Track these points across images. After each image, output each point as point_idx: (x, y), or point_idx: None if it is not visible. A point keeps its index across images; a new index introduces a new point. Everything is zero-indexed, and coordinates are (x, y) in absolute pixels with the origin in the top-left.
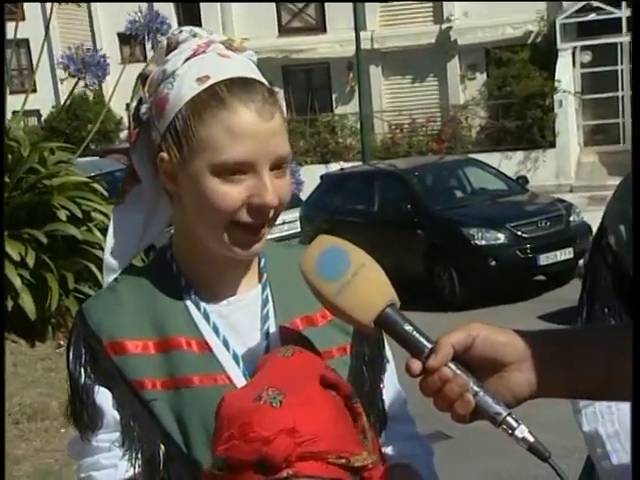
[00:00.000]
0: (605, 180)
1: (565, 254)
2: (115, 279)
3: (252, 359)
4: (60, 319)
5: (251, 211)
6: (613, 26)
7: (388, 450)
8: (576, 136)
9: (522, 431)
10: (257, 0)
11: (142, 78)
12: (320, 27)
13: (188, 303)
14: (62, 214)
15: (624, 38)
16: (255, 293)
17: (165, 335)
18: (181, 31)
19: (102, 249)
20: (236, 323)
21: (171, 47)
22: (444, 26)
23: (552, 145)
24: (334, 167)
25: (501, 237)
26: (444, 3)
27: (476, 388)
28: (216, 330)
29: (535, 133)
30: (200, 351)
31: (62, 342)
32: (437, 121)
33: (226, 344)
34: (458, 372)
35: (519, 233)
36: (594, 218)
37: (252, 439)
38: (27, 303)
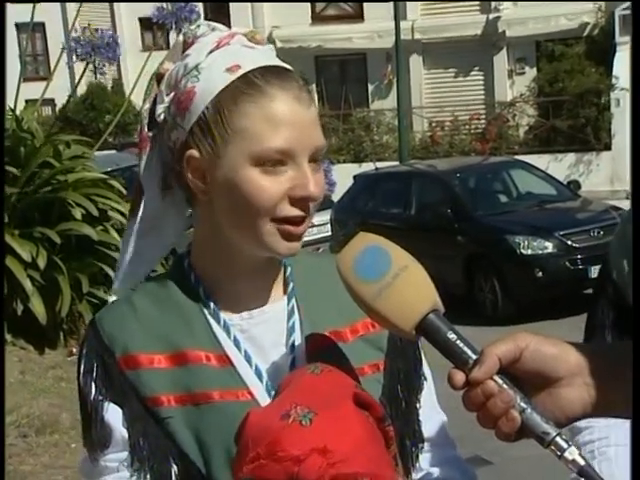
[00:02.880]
0: None
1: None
2: (131, 288)
3: (276, 375)
4: (72, 325)
5: (293, 203)
6: None
7: (425, 475)
8: None
9: (572, 453)
10: None
11: (157, 77)
12: (357, 15)
13: (207, 315)
14: (77, 212)
15: None
16: (280, 305)
17: (182, 348)
18: (199, 25)
19: (118, 250)
20: (258, 337)
21: (188, 43)
22: (492, 16)
23: (607, 147)
24: (368, 167)
25: (549, 246)
26: None
27: (523, 404)
28: (237, 344)
29: (589, 134)
30: (220, 365)
31: (74, 350)
32: (481, 119)
33: (248, 358)
34: (504, 386)
35: (569, 242)
36: None
37: (282, 458)
38: (37, 307)
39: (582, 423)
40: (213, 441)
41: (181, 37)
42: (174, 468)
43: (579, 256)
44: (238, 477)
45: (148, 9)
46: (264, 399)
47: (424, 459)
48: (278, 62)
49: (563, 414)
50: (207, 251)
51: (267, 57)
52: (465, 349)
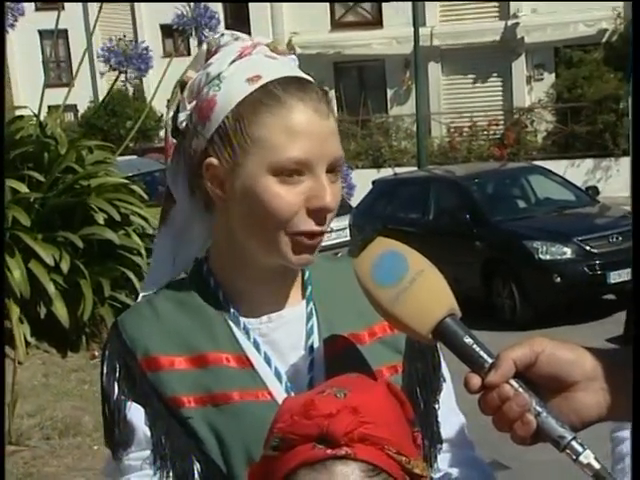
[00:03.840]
0: None
1: None
2: (153, 292)
3: (295, 376)
4: (94, 328)
5: (310, 214)
6: None
7: (444, 476)
8: None
9: (587, 457)
10: None
11: (180, 85)
12: (376, 22)
13: (227, 318)
14: (99, 217)
15: None
16: (298, 309)
17: (203, 351)
18: (222, 35)
19: (140, 255)
20: (277, 340)
21: (212, 52)
22: (510, 22)
23: (626, 153)
24: (387, 172)
25: (568, 252)
26: None
27: (538, 408)
28: (257, 346)
29: (607, 140)
30: (240, 366)
31: (96, 353)
32: (500, 125)
33: (267, 360)
34: (519, 390)
35: (588, 248)
36: None
37: (313, 415)
38: (60, 311)
39: (624, 433)
40: (233, 440)
41: (205, 46)
42: (196, 466)
43: (597, 262)
44: (268, 440)
45: (169, 16)
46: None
47: (443, 460)
48: (299, 73)
49: (579, 418)
50: (224, 256)
51: (288, 68)
52: (481, 353)
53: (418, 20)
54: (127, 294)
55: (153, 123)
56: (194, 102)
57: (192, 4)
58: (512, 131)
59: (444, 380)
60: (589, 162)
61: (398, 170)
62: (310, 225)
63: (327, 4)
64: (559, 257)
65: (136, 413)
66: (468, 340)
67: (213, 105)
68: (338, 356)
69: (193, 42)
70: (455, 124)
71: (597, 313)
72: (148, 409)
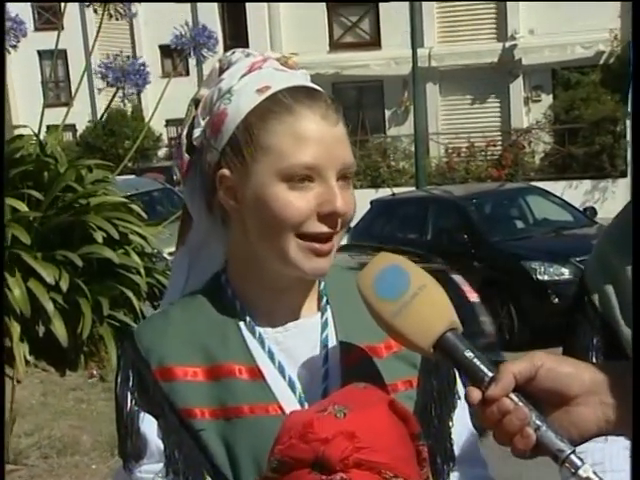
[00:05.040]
0: None
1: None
2: (170, 303)
3: (309, 387)
4: (93, 347)
5: (321, 219)
6: None
7: None
8: None
9: (586, 470)
10: (308, 0)
11: (194, 103)
12: (374, 42)
13: (243, 328)
14: (98, 236)
15: None
16: (314, 319)
17: (217, 362)
18: (234, 52)
19: (139, 274)
20: (293, 349)
21: (223, 69)
22: (508, 44)
23: (623, 174)
24: (385, 192)
25: (566, 272)
26: (509, 20)
27: (538, 422)
28: (271, 356)
29: (604, 161)
30: (251, 379)
31: (95, 372)
32: (497, 145)
33: (282, 370)
34: (519, 404)
35: None
36: None
37: (310, 439)
38: (59, 329)
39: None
40: (243, 454)
41: (217, 64)
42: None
43: None
44: (269, 461)
45: (168, 36)
46: None
47: (455, 477)
48: (308, 83)
49: (578, 432)
50: (241, 268)
51: (298, 78)
52: (482, 367)
53: (416, 41)
54: (126, 313)
55: (151, 143)
56: (207, 118)
57: (190, 24)
58: (510, 152)
59: (459, 397)
60: (587, 183)
61: (396, 190)
62: (321, 228)
63: (326, 25)
64: (557, 278)
65: (149, 425)
66: (469, 354)
67: (224, 117)
68: (354, 367)
69: (192, 62)
70: (453, 145)
71: None
72: (161, 421)
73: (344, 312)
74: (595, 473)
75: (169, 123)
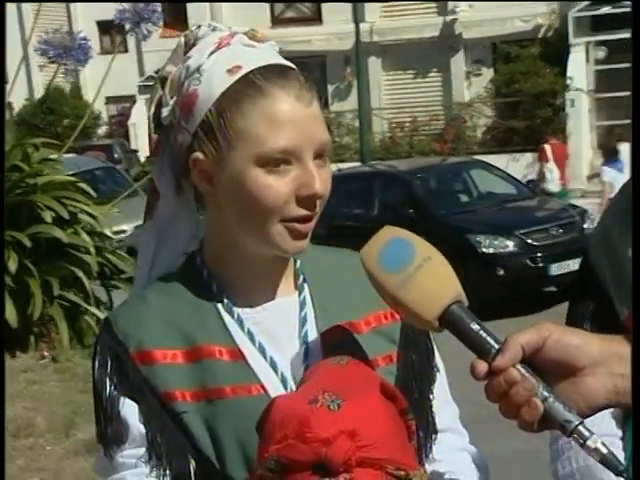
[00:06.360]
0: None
1: (578, 264)
2: (144, 286)
3: (290, 366)
4: (43, 328)
5: (300, 203)
6: (630, 20)
7: (439, 465)
8: (589, 138)
9: (595, 441)
10: None
11: (160, 80)
12: (316, 18)
13: (220, 309)
14: (47, 215)
15: None
16: (292, 298)
17: (196, 344)
18: (199, 26)
19: (89, 253)
20: (272, 329)
21: (189, 45)
22: (448, 18)
23: None
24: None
25: (510, 245)
26: None
27: (545, 393)
28: (251, 337)
29: (545, 133)
30: (232, 360)
31: (45, 353)
32: (440, 120)
33: (262, 351)
34: (526, 374)
35: (529, 241)
36: None
37: (310, 439)
38: (8, 311)
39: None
40: (226, 436)
41: (182, 39)
42: (192, 463)
43: (539, 254)
44: (263, 458)
45: (105, 12)
46: (277, 391)
47: (437, 449)
48: (279, 60)
49: (586, 403)
50: (217, 248)
51: (268, 55)
52: (488, 339)
53: (360, 16)
54: (76, 292)
55: (92, 121)
56: (175, 97)
57: None
58: (452, 126)
59: (438, 370)
60: (528, 156)
61: (341, 166)
62: (300, 212)
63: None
64: (502, 250)
65: (130, 409)
66: (475, 326)
67: (195, 99)
68: (334, 345)
69: (130, 39)
70: (396, 119)
71: (539, 305)
72: (142, 405)
73: (322, 290)
74: (604, 444)
75: (109, 101)
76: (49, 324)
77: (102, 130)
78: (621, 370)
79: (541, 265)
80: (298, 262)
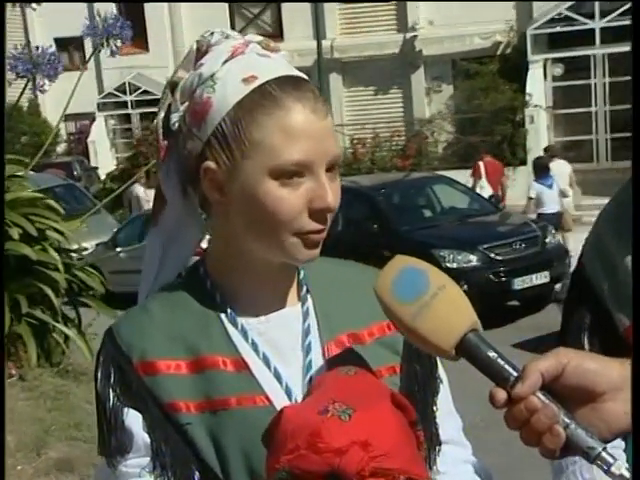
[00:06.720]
0: (579, 200)
1: (541, 278)
2: (146, 297)
3: (294, 377)
4: (11, 346)
5: (312, 216)
6: (586, 38)
7: (443, 477)
8: None
9: (619, 467)
10: (209, 0)
11: (170, 86)
12: (277, 34)
13: (224, 320)
14: (14, 232)
15: (597, 50)
16: (296, 308)
17: (199, 354)
18: (212, 33)
19: (58, 270)
20: (276, 340)
21: (202, 51)
22: (408, 35)
23: (523, 163)
24: None
25: (473, 259)
26: (408, 11)
27: (567, 420)
28: (255, 347)
29: (505, 149)
30: (236, 370)
31: (13, 372)
32: (402, 136)
33: (267, 361)
34: (547, 402)
35: (492, 255)
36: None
37: (322, 450)
38: None
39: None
40: (231, 447)
41: (194, 45)
42: (196, 474)
43: (502, 268)
44: (274, 469)
45: (64, 29)
46: (282, 403)
47: (440, 461)
48: (294, 72)
49: (608, 428)
50: (222, 258)
51: (283, 66)
52: (506, 367)
53: (321, 32)
54: (44, 310)
55: (51, 138)
56: (187, 103)
57: (103, 15)
58: (413, 142)
59: (441, 381)
60: None
61: None
62: (313, 225)
63: (227, 18)
64: (465, 265)
65: (134, 419)
66: (492, 354)
67: (208, 107)
68: (338, 356)
69: (89, 56)
70: (358, 135)
71: (503, 319)
72: (146, 415)
73: (325, 300)
74: (628, 469)
75: (67, 118)
76: (17, 342)
77: (61, 147)
78: None
79: (504, 279)
80: (302, 272)
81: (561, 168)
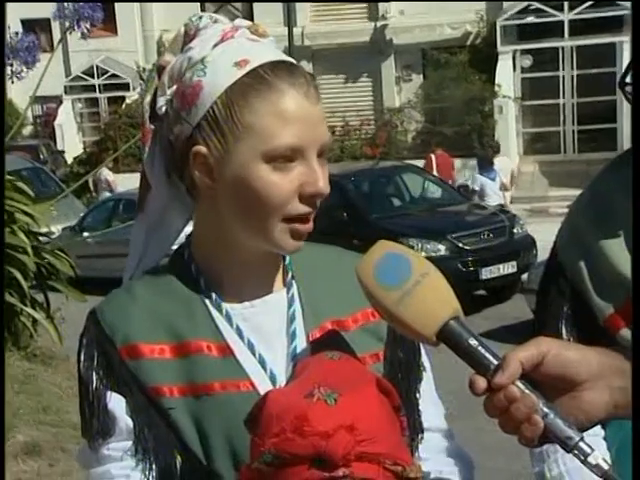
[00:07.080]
0: (546, 191)
1: (508, 268)
2: (131, 278)
3: (279, 363)
4: None
5: (302, 200)
6: (555, 30)
7: (425, 464)
8: (515, 144)
9: (596, 457)
10: None
11: (158, 70)
12: (247, 20)
13: (208, 305)
14: None
15: (566, 42)
16: (281, 294)
17: (184, 339)
18: (200, 17)
19: (27, 253)
20: (261, 326)
21: (190, 35)
22: (379, 24)
23: (497, 151)
24: None
25: (442, 249)
26: None
27: (546, 409)
28: (240, 333)
29: (474, 140)
30: (221, 355)
31: None
32: (371, 124)
33: (251, 347)
34: (526, 391)
35: (460, 245)
36: (535, 231)
37: (308, 433)
38: None
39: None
40: (214, 432)
41: (182, 29)
42: (178, 458)
43: (470, 258)
44: (259, 452)
45: (30, 10)
46: (266, 388)
47: (423, 448)
48: (284, 57)
49: (586, 417)
50: (208, 243)
51: (273, 51)
52: (487, 355)
53: (292, 20)
54: (12, 293)
55: (15, 121)
56: (175, 87)
57: None
58: (383, 131)
59: (424, 369)
60: (457, 162)
61: None
62: (303, 209)
63: (198, 4)
64: (433, 254)
65: (117, 403)
66: (473, 342)
67: (199, 90)
68: (323, 342)
69: (56, 38)
70: (328, 123)
71: (469, 308)
72: (129, 399)
73: (310, 287)
74: (605, 460)
75: (34, 100)
76: None
77: (27, 130)
78: (620, 383)
79: (472, 269)
80: (287, 258)
81: (504, 163)
